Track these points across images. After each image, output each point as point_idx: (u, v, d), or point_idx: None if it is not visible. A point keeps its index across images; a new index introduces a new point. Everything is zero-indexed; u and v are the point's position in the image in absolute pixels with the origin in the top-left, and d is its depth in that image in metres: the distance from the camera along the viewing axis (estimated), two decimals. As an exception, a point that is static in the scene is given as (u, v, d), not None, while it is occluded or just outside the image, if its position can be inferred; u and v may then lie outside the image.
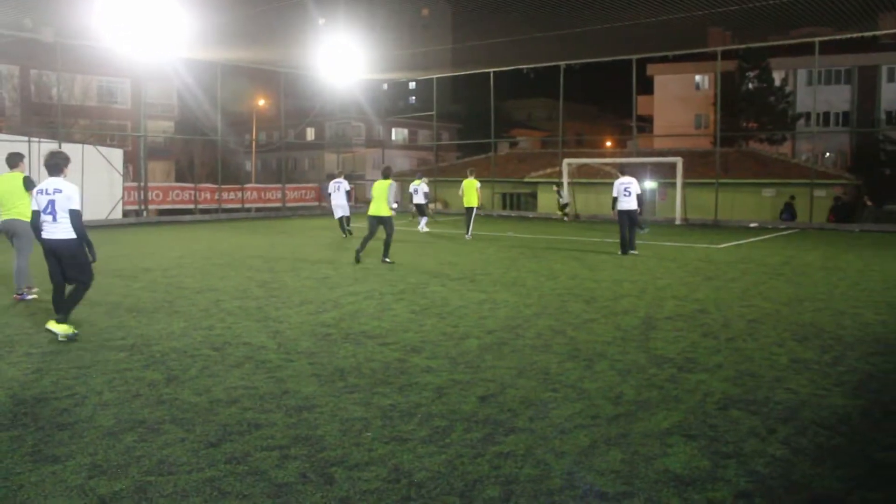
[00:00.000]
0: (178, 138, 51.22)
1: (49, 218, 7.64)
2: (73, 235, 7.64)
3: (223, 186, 32.07)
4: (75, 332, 7.70)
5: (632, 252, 16.25)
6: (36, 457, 4.53)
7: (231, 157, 51.59)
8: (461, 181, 21.42)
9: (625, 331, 8.34)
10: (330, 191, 21.53)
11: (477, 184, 21.04)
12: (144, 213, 28.15)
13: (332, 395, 5.79)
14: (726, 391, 5.98)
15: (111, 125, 47.98)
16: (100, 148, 27.31)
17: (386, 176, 14.85)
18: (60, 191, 7.66)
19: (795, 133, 45.54)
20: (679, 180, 28.02)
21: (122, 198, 27.08)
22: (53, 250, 7.72)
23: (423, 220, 23.00)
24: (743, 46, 30.54)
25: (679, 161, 28.04)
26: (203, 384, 6.08)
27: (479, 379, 6.30)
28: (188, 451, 4.63)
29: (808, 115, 46.07)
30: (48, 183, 7.75)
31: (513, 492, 4.08)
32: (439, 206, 36.12)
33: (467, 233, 20.57)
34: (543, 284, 11.91)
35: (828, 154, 47.67)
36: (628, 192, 16.22)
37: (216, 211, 31.04)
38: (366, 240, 14.78)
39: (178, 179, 49.71)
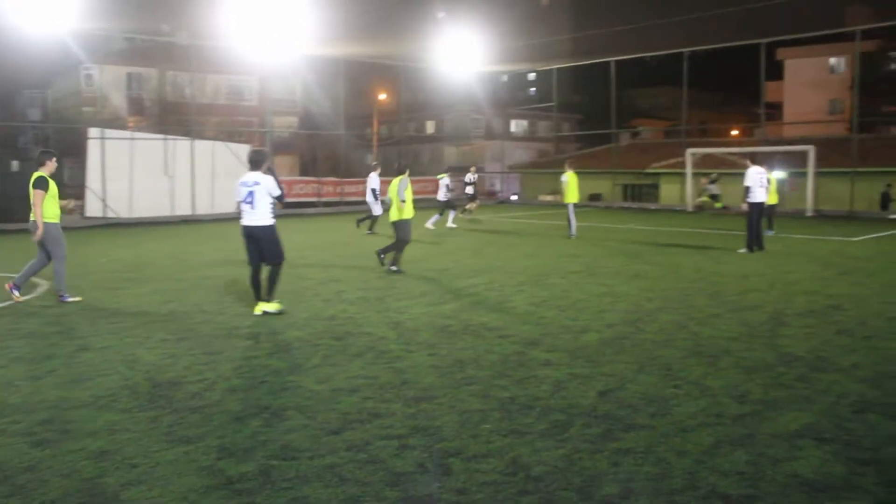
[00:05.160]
0: (301, 133, 52.75)
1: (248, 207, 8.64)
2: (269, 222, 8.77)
3: (345, 180, 32.84)
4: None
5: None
6: (171, 437, 4.77)
7: (353, 150, 52.77)
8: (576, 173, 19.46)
9: (751, 327, 8.01)
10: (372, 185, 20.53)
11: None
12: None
13: (451, 387, 5.83)
14: (863, 393, 5.65)
15: (239, 122, 49.94)
16: (229, 144, 28.56)
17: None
18: (259, 183, 8.64)
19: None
20: (811, 169, 26.67)
21: (251, 191, 28.23)
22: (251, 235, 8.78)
23: (436, 217, 21.37)
24: (887, 24, 28.55)
25: (811, 149, 26.68)
26: (325, 373, 6.24)
27: (598, 373, 6.20)
28: (310, 437, 4.76)
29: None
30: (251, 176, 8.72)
31: (632, 490, 3.99)
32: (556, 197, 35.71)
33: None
34: (665, 278, 11.60)
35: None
36: None
37: (338, 203, 31.84)
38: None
39: (301, 173, 51.25)
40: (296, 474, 4.20)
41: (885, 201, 28.18)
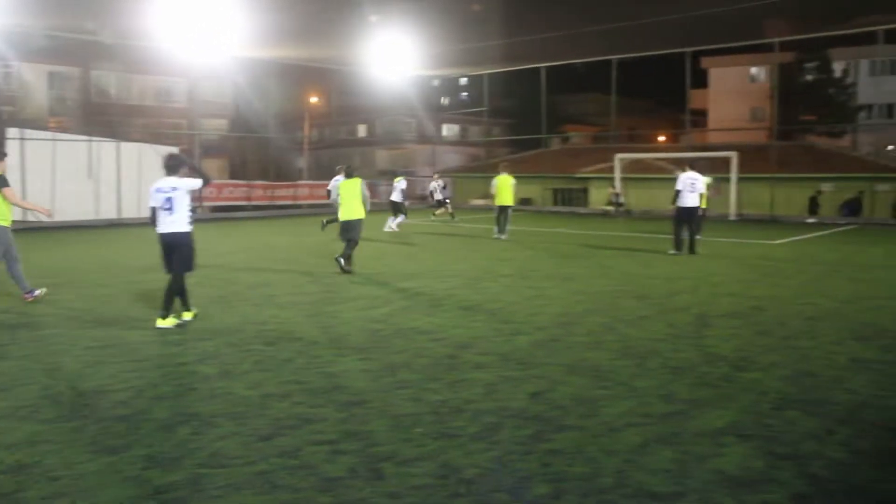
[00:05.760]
0: (231, 136, 51.93)
1: (166, 214, 8.20)
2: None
3: (276, 183, 32.49)
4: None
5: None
6: (95, 447, 4.64)
7: (283, 154, 52.19)
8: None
9: (678, 328, 8.22)
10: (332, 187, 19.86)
11: (511, 180, 19.48)
12: (198, 210, 28.70)
13: (383, 391, 5.82)
14: (782, 391, 5.85)
15: (168, 124, 48.86)
16: (156, 147, 27.91)
17: None
18: (177, 189, 8.20)
19: (857, 125, 44.29)
20: (734, 175, 27.52)
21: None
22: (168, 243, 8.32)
23: (397, 219, 21.73)
24: (802, 37, 29.72)
25: (734, 155, 27.52)
26: (256, 379, 6.16)
27: (529, 376, 6.27)
28: (241, 444, 4.69)
29: (870, 107, 44.76)
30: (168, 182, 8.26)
31: (563, 490, 4.05)
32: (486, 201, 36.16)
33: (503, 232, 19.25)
34: (595, 280, 11.81)
35: (890, 147, 46.25)
36: None
37: (269, 207, 31.46)
38: None
39: (231, 176, 50.43)
40: (226, 482, 4.13)
41: (812, 206, 29.26)
